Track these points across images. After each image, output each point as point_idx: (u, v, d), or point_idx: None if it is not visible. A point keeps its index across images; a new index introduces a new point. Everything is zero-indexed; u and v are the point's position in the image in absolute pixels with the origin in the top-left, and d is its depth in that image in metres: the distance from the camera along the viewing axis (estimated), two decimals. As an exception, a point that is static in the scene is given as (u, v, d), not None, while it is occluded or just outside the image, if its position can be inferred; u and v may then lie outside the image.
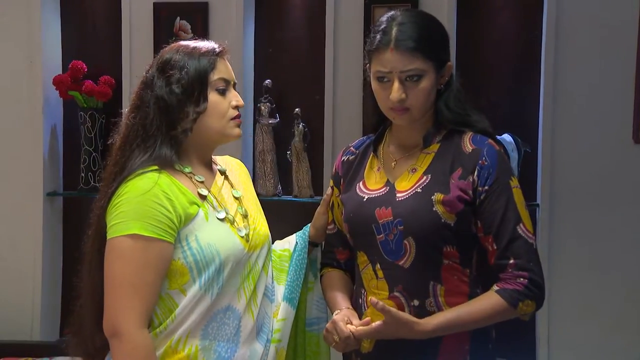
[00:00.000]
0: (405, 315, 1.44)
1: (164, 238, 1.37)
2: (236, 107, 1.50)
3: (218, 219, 1.45)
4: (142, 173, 1.41)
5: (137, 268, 1.35)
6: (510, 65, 2.65)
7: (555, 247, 2.54)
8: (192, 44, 1.51)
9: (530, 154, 2.55)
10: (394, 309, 1.44)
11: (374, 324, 1.45)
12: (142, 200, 1.37)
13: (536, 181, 2.59)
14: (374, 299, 1.46)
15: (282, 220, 1.72)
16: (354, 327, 1.47)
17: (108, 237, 1.39)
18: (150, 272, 1.36)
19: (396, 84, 1.48)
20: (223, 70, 1.49)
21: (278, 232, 1.70)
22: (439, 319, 1.45)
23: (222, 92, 1.48)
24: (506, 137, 2.52)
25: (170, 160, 1.44)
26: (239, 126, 1.51)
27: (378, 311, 1.44)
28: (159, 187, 1.39)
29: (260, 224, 1.55)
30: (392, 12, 1.54)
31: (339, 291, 1.61)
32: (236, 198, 1.53)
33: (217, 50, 1.50)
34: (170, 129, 1.45)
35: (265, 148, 2.67)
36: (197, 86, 1.46)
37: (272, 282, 1.58)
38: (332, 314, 1.57)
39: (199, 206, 1.43)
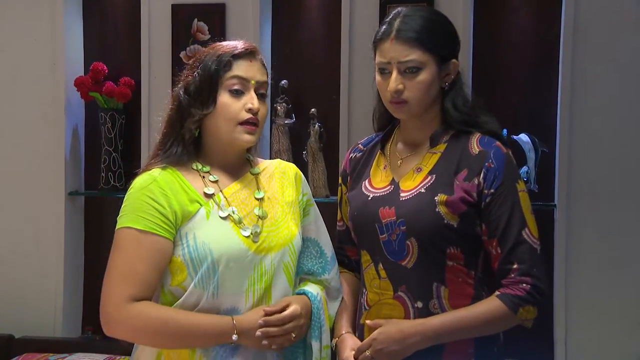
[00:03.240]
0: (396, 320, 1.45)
1: (157, 232, 1.40)
2: (250, 110, 1.45)
3: (221, 217, 1.45)
4: (147, 169, 1.46)
5: (129, 258, 1.40)
6: (527, 64, 2.63)
7: (572, 247, 2.51)
8: (220, 44, 1.49)
9: (547, 154, 2.53)
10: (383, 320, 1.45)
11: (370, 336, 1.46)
12: (139, 195, 1.42)
13: (553, 181, 2.57)
14: (369, 321, 1.47)
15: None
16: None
17: (115, 229, 1.45)
18: (142, 262, 1.39)
19: (394, 74, 1.47)
20: (242, 70, 1.46)
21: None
22: (436, 321, 1.44)
23: (237, 93, 1.46)
24: (523, 137, 2.51)
25: (180, 158, 1.47)
26: (250, 132, 1.46)
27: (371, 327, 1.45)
28: (156, 184, 1.43)
29: (282, 228, 1.51)
30: (401, 8, 1.54)
31: (344, 309, 1.60)
32: (257, 199, 1.52)
33: (237, 51, 1.46)
34: (179, 127, 1.48)
35: (282, 148, 2.69)
36: (207, 88, 1.45)
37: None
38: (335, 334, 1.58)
39: (201, 205, 1.45)
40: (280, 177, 1.58)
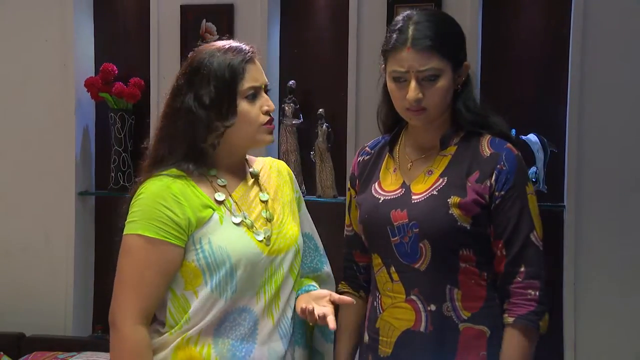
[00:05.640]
0: None
1: (169, 240, 1.41)
2: (267, 112, 1.47)
3: (234, 223, 1.46)
4: (159, 175, 1.45)
5: (139, 267, 1.41)
6: (536, 64, 2.61)
7: (581, 249, 2.49)
8: (222, 50, 1.46)
9: (556, 154, 2.52)
10: None
11: None
12: (151, 203, 1.42)
13: (562, 182, 2.55)
14: None
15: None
16: None
17: (123, 233, 1.45)
18: (151, 271, 1.40)
19: (413, 84, 1.46)
20: (253, 76, 1.46)
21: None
22: None
23: (252, 98, 1.46)
24: (532, 137, 2.50)
25: (191, 170, 1.46)
26: (270, 132, 1.49)
27: None
28: (169, 191, 1.42)
29: (288, 227, 1.53)
30: (408, 12, 1.52)
31: (345, 340, 1.61)
32: (262, 201, 1.53)
33: (248, 56, 1.46)
34: (198, 141, 1.45)
35: (289, 148, 2.70)
36: (226, 99, 1.44)
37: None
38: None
39: (214, 210, 1.45)
40: (276, 177, 1.60)
